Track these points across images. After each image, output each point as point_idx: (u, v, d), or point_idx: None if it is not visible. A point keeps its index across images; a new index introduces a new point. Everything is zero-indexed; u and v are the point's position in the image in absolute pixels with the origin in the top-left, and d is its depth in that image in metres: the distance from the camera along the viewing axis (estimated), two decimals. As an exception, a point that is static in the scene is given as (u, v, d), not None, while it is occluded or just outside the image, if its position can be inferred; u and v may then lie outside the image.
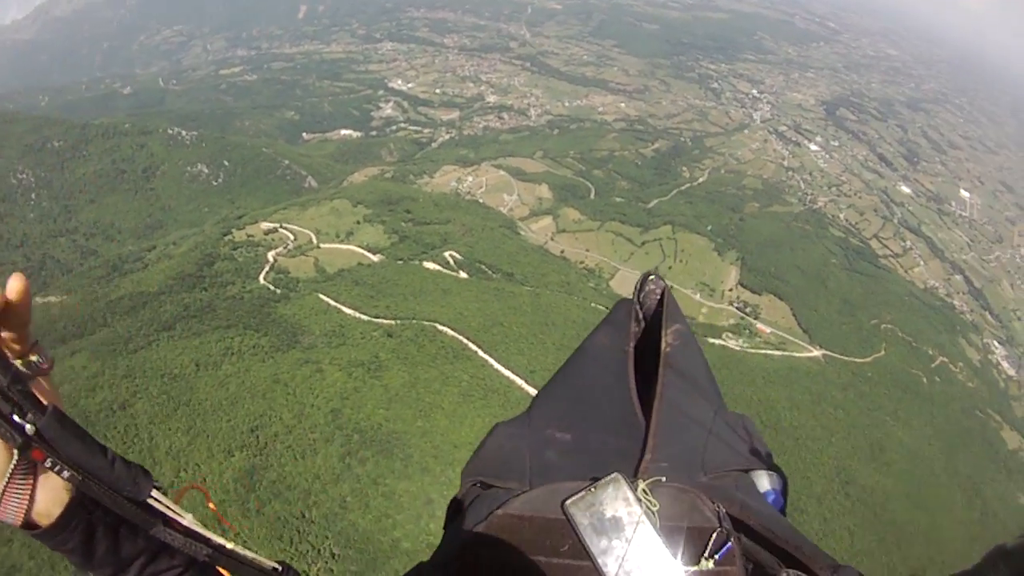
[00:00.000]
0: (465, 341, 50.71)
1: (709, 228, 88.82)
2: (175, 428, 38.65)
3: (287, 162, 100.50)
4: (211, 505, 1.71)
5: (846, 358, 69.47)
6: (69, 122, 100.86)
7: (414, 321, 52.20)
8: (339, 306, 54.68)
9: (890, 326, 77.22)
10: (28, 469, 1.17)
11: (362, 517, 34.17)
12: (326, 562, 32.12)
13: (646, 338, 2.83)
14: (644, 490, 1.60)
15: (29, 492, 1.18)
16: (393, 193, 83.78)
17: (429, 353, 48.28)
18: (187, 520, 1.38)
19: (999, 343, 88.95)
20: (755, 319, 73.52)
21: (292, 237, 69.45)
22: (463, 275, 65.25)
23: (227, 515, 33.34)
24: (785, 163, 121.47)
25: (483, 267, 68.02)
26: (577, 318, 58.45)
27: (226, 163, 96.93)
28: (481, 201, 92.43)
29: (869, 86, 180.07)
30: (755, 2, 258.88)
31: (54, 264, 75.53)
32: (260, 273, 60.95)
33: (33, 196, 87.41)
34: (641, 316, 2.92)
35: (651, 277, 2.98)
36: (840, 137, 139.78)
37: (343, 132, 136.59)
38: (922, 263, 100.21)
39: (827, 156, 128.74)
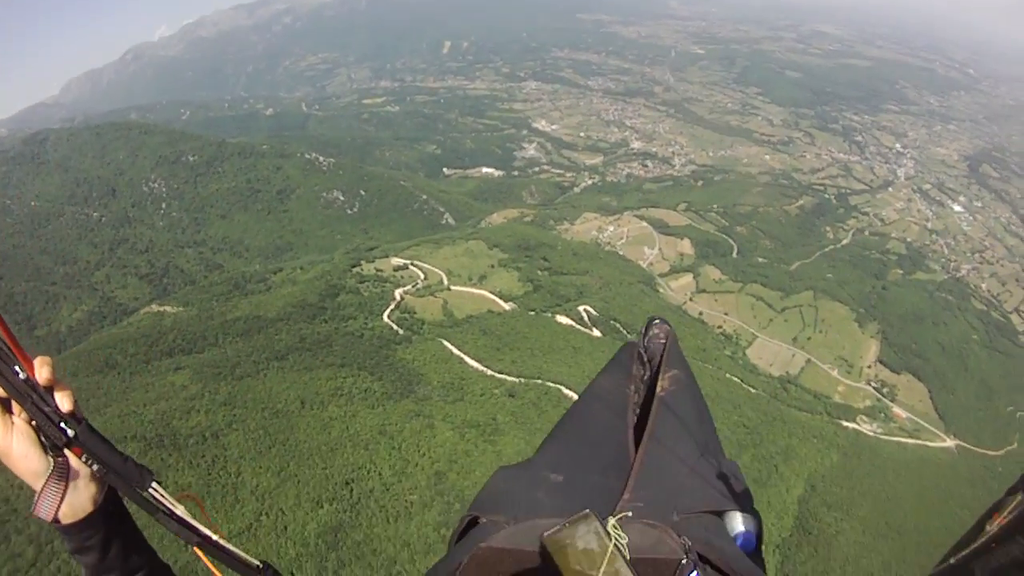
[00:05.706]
0: (591, 410, 47.61)
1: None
2: (266, 467, 37.95)
3: (425, 196, 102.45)
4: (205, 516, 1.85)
5: (979, 450, 68.61)
6: (205, 138, 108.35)
7: (539, 381, 50.48)
8: (462, 355, 53.78)
9: (1025, 414, 76.66)
10: (62, 475, 1.61)
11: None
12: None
13: (651, 381, 3.05)
14: (615, 525, 1.81)
15: (61, 494, 1.60)
16: (531, 238, 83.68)
17: (551, 420, 45.06)
18: (180, 511, 1.73)
19: None
20: (891, 401, 74.30)
21: (422, 276, 69.87)
22: (596, 333, 63.74)
23: (302, 569, 31.71)
24: (929, 225, 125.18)
25: (618, 325, 66.69)
26: (711, 391, 57.26)
27: (362, 192, 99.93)
28: (621, 253, 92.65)
29: (1010, 139, 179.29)
30: (897, 48, 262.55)
31: (177, 273, 79.50)
32: (385, 311, 60.84)
33: (164, 206, 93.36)
34: (646, 359, 3.15)
35: (656, 321, 3.23)
36: (983, 197, 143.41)
37: (484, 170, 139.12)
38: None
39: (971, 218, 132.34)
